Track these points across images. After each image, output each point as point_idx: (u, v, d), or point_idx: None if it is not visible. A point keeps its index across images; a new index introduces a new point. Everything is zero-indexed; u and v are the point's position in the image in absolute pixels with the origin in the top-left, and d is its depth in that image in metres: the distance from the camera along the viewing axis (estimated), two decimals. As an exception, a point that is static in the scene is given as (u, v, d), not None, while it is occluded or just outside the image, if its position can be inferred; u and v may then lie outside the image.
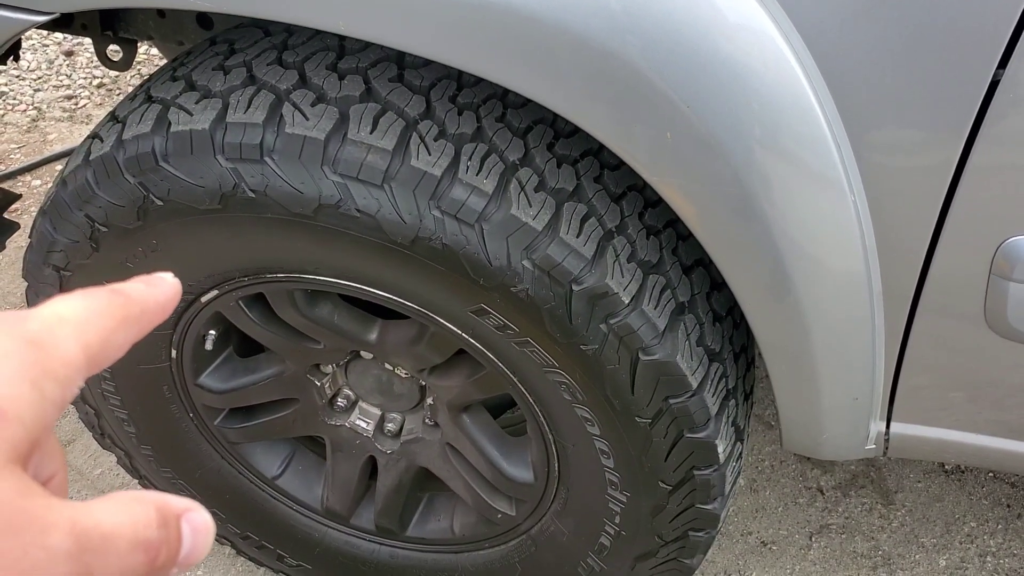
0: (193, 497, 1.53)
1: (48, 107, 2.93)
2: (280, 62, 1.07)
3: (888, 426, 1.14)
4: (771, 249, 0.93)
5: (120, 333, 0.35)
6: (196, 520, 0.33)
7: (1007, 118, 0.84)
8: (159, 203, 1.06)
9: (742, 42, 0.83)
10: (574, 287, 1.00)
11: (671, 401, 1.06)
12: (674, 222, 1.10)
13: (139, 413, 1.39)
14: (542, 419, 1.17)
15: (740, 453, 1.21)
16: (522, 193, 1.00)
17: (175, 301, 0.38)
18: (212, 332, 1.28)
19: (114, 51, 1.32)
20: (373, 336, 1.22)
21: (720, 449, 1.12)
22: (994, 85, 0.82)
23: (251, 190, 1.01)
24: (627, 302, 1.01)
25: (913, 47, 0.82)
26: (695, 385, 1.06)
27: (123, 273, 1.16)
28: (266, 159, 1.00)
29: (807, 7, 0.83)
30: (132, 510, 0.31)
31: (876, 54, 0.83)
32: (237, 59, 1.08)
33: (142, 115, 1.07)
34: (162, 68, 1.18)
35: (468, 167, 0.99)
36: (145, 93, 1.12)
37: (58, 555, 0.28)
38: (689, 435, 1.09)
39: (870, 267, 0.96)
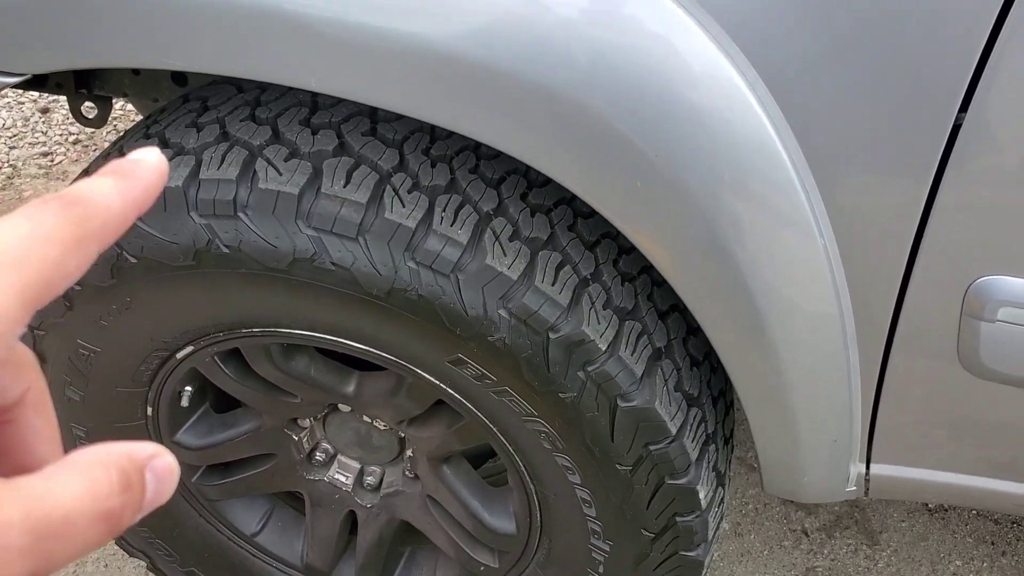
0: (171, 555, 1.50)
1: (24, 164, 2.93)
2: (253, 118, 1.07)
3: (868, 467, 1.14)
4: (743, 293, 0.94)
5: (73, 258, 0.29)
6: (159, 467, 0.30)
7: (970, 161, 0.86)
8: (133, 260, 1.05)
9: (707, 91, 0.85)
10: (551, 335, 1.00)
11: (651, 447, 1.06)
12: (648, 268, 1.10)
13: (114, 472, 1.37)
14: (523, 468, 1.16)
15: (722, 498, 1.20)
16: (497, 243, 1.00)
17: (159, 188, 0.31)
18: (188, 388, 1.27)
19: (89, 108, 1.32)
20: (350, 388, 1.22)
21: (702, 495, 1.11)
22: (956, 129, 0.84)
23: (225, 246, 1.01)
24: (604, 349, 1.01)
25: (875, 94, 0.84)
26: (674, 431, 1.06)
27: (97, 332, 1.15)
28: (240, 215, 1.00)
29: (770, 56, 0.84)
30: (93, 478, 0.28)
31: (839, 101, 0.85)
32: (210, 116, 1.09)
33: (115, 173, 1.07)
34: (135, 126, 1.19)
35: (442, 218, 0.99)
36: (118, 152, 1.12)
37: (13, 553, 0.26)
38: (670, 481, 1.09)
39: (843, 308, 0.97)
